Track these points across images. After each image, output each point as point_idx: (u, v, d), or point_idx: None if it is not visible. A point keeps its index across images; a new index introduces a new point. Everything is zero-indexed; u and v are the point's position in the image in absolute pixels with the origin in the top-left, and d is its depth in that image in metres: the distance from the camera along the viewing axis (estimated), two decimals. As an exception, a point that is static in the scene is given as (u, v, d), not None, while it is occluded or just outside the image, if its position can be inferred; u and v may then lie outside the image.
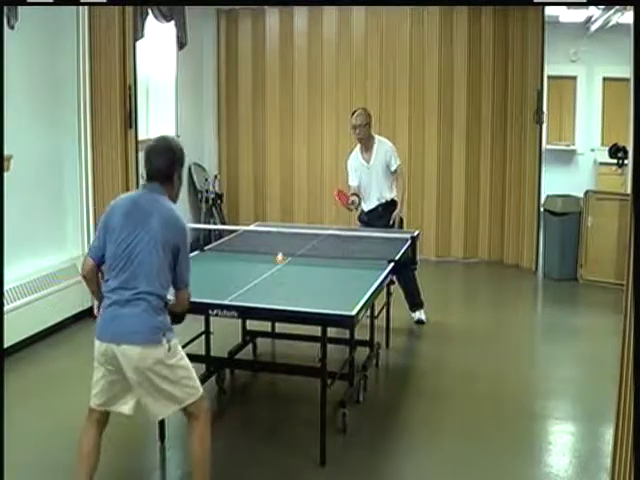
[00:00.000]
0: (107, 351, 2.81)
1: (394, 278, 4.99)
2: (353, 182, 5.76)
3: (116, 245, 2.82)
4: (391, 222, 5.68)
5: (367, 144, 5.71)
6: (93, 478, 2.90)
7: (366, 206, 5.80)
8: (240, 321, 4.75)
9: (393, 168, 5.70)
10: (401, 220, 5.81)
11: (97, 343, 2.87)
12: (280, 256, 4.39)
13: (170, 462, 3.70)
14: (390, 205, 5.75)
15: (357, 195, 5.71)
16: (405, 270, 4.96)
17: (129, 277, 2.79)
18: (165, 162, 2.93)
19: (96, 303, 2.90)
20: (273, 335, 5.09)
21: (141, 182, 3.06)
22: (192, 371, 2.94)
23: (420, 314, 5.84)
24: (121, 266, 2.81)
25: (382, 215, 5.73)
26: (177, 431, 3.92)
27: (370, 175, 5.71)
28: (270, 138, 8.86)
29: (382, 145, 5.74)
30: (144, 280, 2.78)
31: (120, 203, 2.94)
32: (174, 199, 3.00)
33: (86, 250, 5.96)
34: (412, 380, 4.79)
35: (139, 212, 2.85)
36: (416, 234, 4.97)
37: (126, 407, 2.92)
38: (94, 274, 2.95)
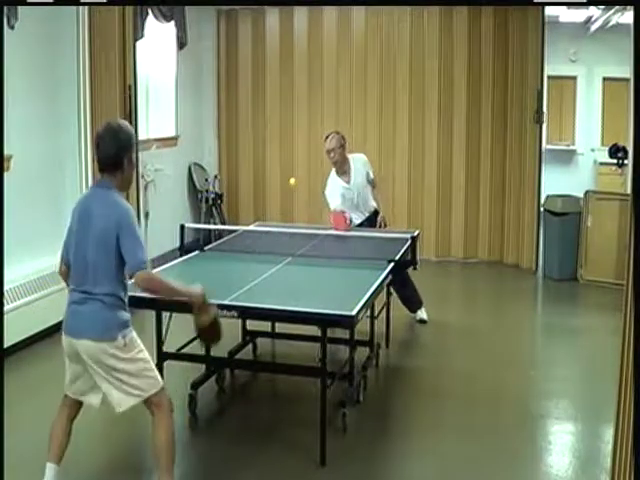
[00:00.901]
0: (70, 344, 2.93)
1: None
2: (337, 206, 5.54)
3: (73, 249, 2.94)
4: (377, 227, 5.74)
5: (342, 166, 5.64)
6: (62, 458, 3.04)
7: (355, 220, 5.69)
8: (240, 321, 4.75)
9: (370, 178, 5.74)
10: (385, 223, 5.85)
11: (63, 336, 2.98)
12: (293, 180, 4.43)
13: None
14: (374, 215, 5.81)
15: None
16: (399, 273, 4.96)
17: (82, 280, 2.89)
18: (111, 148, 2.89)
19: None
20: (273, 335, 5.09)
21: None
22: (151, 363, 3.01)
23: (422, 313, 5.84)
24: (75, 269, 2.93)
25: (371, 224, 5.77)
26: (177, 431, 3.92)
27: (353, 194, 5.66)
28: (270, 138, 8.86)
29: (356, 161, 5.72)
30: (95, 282, 2.86)
31: (76, 207, 2.99)
32: (125, 186, 3.01)
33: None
34: (412, 380, 4.79)
35: (85, 214, 2.90)
36: (416, 234, 4.97)
37: (94, 399, 3.02)
38: (66, 277, 3.06)
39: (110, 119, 3.17)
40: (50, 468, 2.99)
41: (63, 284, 5.13)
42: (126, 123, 3.05)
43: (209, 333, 3.09)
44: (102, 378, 2.90)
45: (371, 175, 5.77)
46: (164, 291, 2.96)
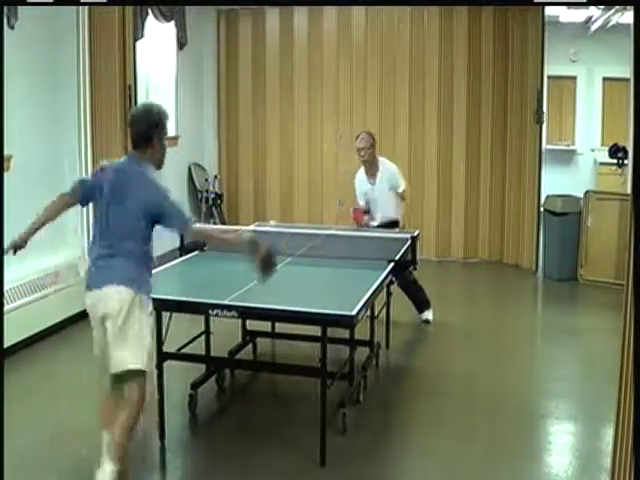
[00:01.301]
0: (95, 298, 3.07)
1: (394, 279, 5.00)
2: (362, 202, 5.84)
3: (104, 211, 3.09)
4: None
5: (372, 166, 5.76)
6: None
7: (374, 222, 5.85)
8: (240, 321, 4.75)
9: (400, 190, 5.78)
10: None
11: (87, 294, 3.12)
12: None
13: (170, 462, 3.70)
14: (393, 223, 5.81)
15: (366, 212, 5.82)
16: (401, 273, 4.98)
17: (110, 237, 3.07)
18: (144, 126, 3.09)
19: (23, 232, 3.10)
20: (273, 335, 5.08)
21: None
22: (151, 347, 3.18)
23: (427, 314, 5.86)
24: (107, 230, 3.08)
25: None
26: (177, 431, 3.93)
27: (375, 196, 5.78)
28: (270, 138, 8.87)
29: (387, 168, 5.80)
30: (123, 239, 3.05)
31: (108, 175, 3.12)
32: (158, 163, 3.18)
33: (86, 250, 5.95)
34: (412, 380, 4.79)
35: (120, 184, 3.07)
36: (416, 234, 4.97)
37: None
38: (64, 204, 3.21)
39: (145, 101, 3.44)
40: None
41: (63, 284, 5.11)
42: (160, 105, 3.24)
43: (267, 265, 3.17)
44: (114, 331, 3.01)
45: (401, 187, 5.79)
46: (216, 241, 3.40)
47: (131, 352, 3.05)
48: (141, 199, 3.05)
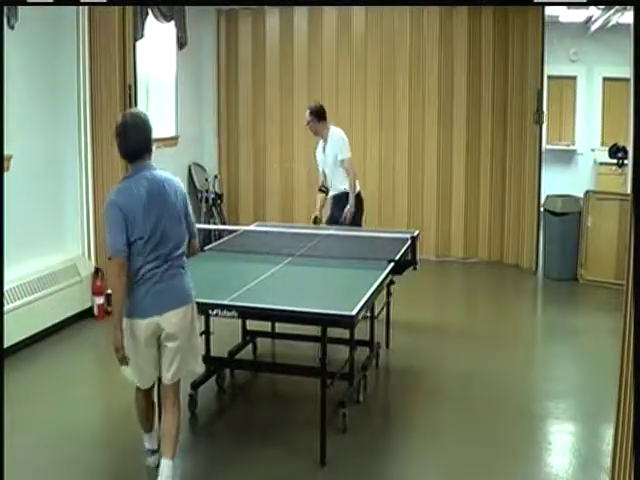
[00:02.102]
0: (153, 326, 3.03)
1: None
2: (321, 174, 6.15)
3: (149, 228, 2.98)
4: (342, 219, 5.84)
5: (320, 136, 6.02)
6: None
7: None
8: (240, 321, 4.75)
9: (339, 158, 5.89)
10: (353, 217, 5.87)
11: (142, 322, 3.02)
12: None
13: (170, 462, 3.69)
14: (343, 198, 5.90)
15: (322, 190, 6.12)
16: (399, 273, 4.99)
17: (168, 251, 3.03)
18: (146, 133, 3.09)
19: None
20: (273, 335, 5.09)
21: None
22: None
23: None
24: (157, 244, 3.00)
25: (337, 205, 5.97)
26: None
27: (325, 164, 6.04)
28: (270, 138, 8.86)
29: (334, 136, 5.98)
30: (177, 248, 3.07)
31: (137, 194, 3.00)
32: None
33: (86, 250, 5.97)
34: (412, 380, 4.79)
35: (157, 194, 3.04)
36: (416, 234, 4.97)
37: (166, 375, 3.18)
38: (122, 267, 2.98)
39: (129, 110, 3.40)
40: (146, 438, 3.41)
41: (63, 284, 5.13)
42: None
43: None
44: (183, 347, 3.08)
45: (340, 155, 5.89)
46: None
47: (197, 359, 3.24)
48: (174, 197, 3.09)
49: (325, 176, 6.09)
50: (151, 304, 3.01)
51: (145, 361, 3.10)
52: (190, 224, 3.19)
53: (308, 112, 6.03)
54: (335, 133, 5.98)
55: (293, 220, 8.49)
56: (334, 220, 5.90)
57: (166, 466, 3.10)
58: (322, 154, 6.05)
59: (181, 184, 3.22)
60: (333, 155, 5.91)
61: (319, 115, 5.96)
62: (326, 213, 6.15)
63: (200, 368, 3.36)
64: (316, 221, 6.03)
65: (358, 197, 5.96)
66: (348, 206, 5.84)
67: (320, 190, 6.14)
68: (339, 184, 5.94)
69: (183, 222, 3.13)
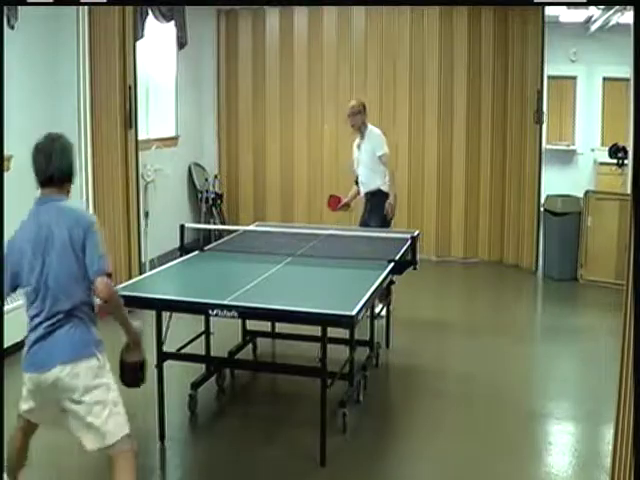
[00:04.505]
0: (38, 382, 2.72)
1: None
2: (356, 169, 6.17)
3: (34, 271, 2.66)
4: (385, 212, 5.89)
5: (359, 132, 6.06)
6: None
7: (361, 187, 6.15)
8: (240, 321, 4.75)
9: (378, 154, 5.94)
10: (384, 218, 5.92)
11: (27, 376, 2.79)
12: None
13: (170, 462, 3.70)
14: (378, 196, 5.94)
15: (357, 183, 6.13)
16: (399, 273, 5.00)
17: (52, 300, 2.65)
18: (68, 158, 2.79)
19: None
20: (273, 335, 5.09)
21: (39, 192, 2.84)
22: (121, 402, 2.73)
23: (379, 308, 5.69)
24: (41, 290, 2.68)
25: (371, 204, 6.01)
26: (177, 431, 3.93)
27: (360, 161, 6.07)
28: (270, 138, 8.87)
29: (372, 133, 6.04)
30: (68, 296, 2.63)
31: (24, 229, 2.74)
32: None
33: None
34: (412, 380, 4.79)
35: (43, 231, 2.65)
36: (416, 234, 4.97)
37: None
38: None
39: (51, 133, 2.99)
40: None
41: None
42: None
43: (133, 374, 2.84)
44: (72, 416, 2.65)
45: (379, 152, 5.95)
46: (118, 307, 2.69)
47: (104, 423, 2.66)
48: (67, 234, 2.63)
49: (360, 171, 6.11)
50: (33, 356, 2.74)
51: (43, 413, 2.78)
52: (88, 262, 2.62)
53: (351, 106, 6.01)
54: (373, 130, 6.04)
55: (293, 220, 8.50)
56: (366, 223, 5.97)
57: None
58: (358, 150, 6.09)
59: (87, 218, 2.74)
60: (369, 152, 5.96)
61: (365, 110, 6.02)
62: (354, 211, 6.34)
63: (96, 445, 2.66)
64: (344, 205, 6.17)
65: (385, 195, 5.99)
66: (389, 200, 5.92)
67: (356, 183, 6.18)
68: (372, 182, 5.99)
69: (77, 262, 2.62)
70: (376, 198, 5.95)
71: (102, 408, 2.64)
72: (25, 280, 2.72)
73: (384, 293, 5.59)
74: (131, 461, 2.71)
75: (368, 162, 5.98)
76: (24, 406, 2.85)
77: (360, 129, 6.01)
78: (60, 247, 2.63)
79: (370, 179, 5.99)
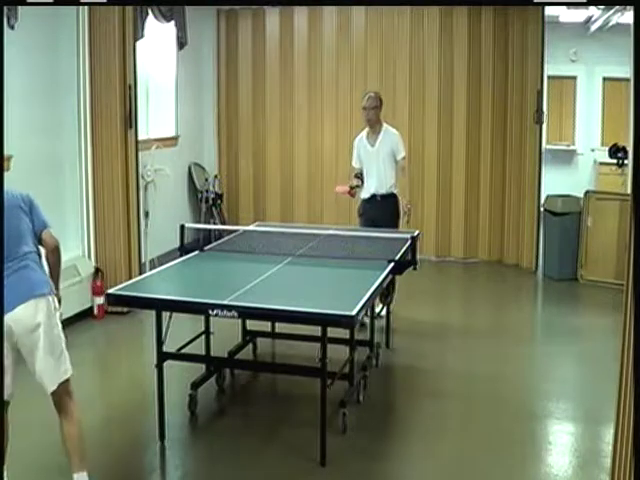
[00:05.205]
0: (8, 324, 2.91)
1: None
2: (355, 164, 5.90)
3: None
4: (404, 210, 5.75)
5: (374, 127, 5.78)
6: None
7: (364, 193, 5.85)
8: (240, 321, 4.75)
9: (399, 157, 5.77)
10: (393, 219, 5.79)
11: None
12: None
13: (170, 462, 3.70)
14: (390, 198, 5.78)
15: (358, 177, 5.81)
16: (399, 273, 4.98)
17: (14, 248, 2.96)
18: None
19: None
20: (273, 335, 5.09)
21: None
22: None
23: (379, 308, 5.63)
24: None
25: (382, 206, 5.77)
26: (177, 431, 3.93)
27: (371, 159, 5.79)
28: (270, 138, 8.86)
29: (390, 132, 5.81)
30: (23, 244, 2.99)
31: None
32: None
33: (86, 250, 5.98)
34: (412, 380, 4.79)
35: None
36: (416, 234, 4.97)
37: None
38: None
39: None
40: None
41: (63, 284, 5.13)
42: None
43: None
44: (39, 350, 2.94)
45: (401, 153, 5.78)
46: (60, 259, 3.15)
47: (64, 359, 3.07)
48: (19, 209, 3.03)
49: (362, 172, 5.83)
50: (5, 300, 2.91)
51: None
52: (36, 219, 3.09)
53: (373, 97, 5.74)
54: (390, 129, 5.82)
55: (293, 220, 8.50)
56: (375, 224, 5.65)
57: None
58: (370, 147, 5.79)
59: (20, 196, 3.11)
60: (388, 151, 5.73)
61: (381, 105, 5.80)
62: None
63: (52, 386, 3.06)
64: (351, 190, 5.79)
65: (397, 197, 5.84)
66: (405, 202, 5.76)
67: (356, 176, 5.85)
68: (386, 182, 5.76)
69: (26, 218, 3.05)
70: (388, 200, 5.77)
71: (60, 344, 3.01)
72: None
73: (384, 293, 5.62)
74: (75, 405, 3.10)
75: (383, 163, 5.74)
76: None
77: (375, 124, 5.75)
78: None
79: (383, 181, 5.76)
